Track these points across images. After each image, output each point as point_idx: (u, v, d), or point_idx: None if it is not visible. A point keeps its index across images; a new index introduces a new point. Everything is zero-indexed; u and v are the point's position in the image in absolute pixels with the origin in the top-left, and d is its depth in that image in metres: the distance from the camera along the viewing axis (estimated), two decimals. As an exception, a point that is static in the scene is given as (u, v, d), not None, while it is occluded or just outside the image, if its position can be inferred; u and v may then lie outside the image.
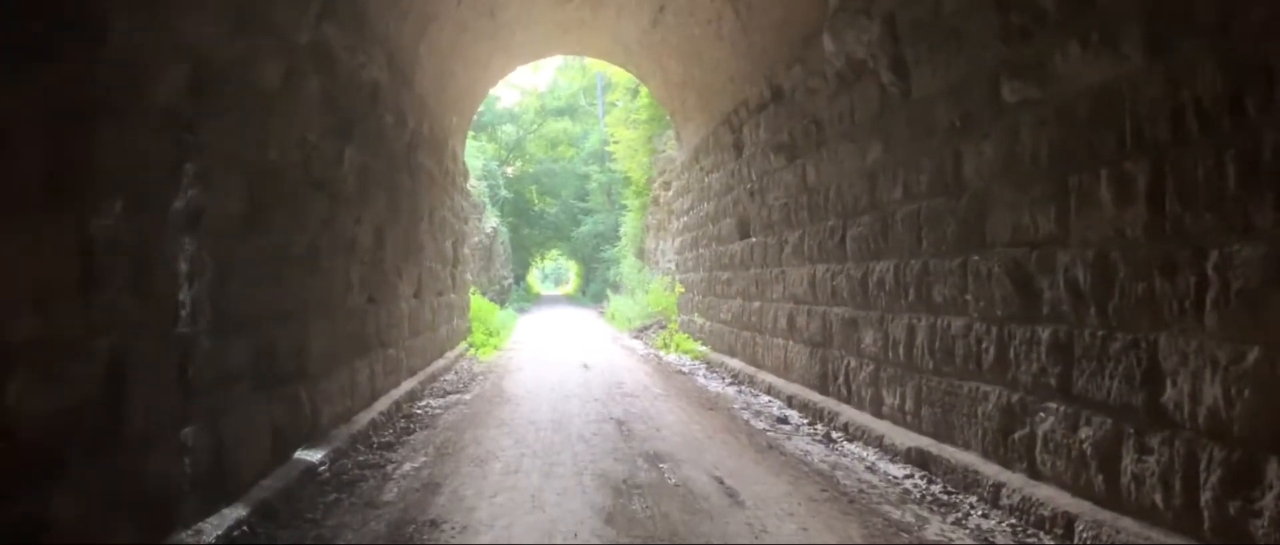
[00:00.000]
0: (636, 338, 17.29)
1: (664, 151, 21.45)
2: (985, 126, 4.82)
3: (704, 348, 13.00)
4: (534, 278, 59.74)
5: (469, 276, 17.24)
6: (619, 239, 31.56)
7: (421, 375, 9.86)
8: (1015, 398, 4.55)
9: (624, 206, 29.74)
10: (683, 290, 15.51)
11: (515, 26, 13.63)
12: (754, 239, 10.17)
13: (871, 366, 6.53)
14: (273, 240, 4.94)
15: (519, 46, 14.56)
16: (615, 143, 25.53)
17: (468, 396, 9.16)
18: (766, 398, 8.75)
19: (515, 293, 37.03)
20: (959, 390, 5.16)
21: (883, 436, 6.01)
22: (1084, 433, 3.92)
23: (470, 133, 33.31)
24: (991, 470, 4.67)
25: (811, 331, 7.96)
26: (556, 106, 48.58)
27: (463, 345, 14.15)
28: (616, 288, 29.57)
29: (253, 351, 4.62)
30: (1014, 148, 4.53)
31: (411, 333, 9.53)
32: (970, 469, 4.84)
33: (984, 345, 4.86)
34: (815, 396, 7.72)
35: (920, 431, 5.67)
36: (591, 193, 41.18)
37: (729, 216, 11.51)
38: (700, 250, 13.76)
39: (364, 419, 6.85)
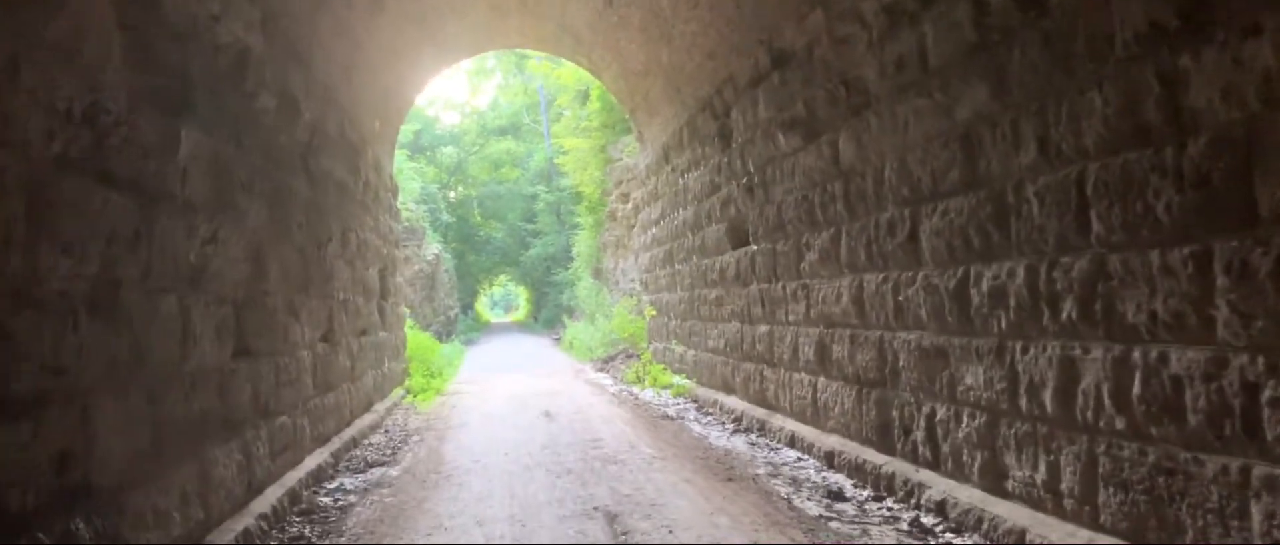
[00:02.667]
0: (602, 370, 15.08)
1: (620, 159, 19.36)
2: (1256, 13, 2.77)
3: (687, 381, 10.85)
4: (483, 305, 57.13)
5: (405, 309, 14.89)
6: (572, 260, 29.34)
7: (337, 441, 7.56)
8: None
9: (576, 225, 27.57)
10: (654, 313, 13.35)
11: (445, 12, 11.43)
12: (754, 246, 8.07)
13: (982, 419, 4.44)
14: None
15: (451, 37, 12.35)
16: (564, 155, 23.39)
17: (395, 470, 6.89)
18: (793, 454, 6.63)
19: (463, 322, 34.62)
20: (1192, 470, 3.08)
21: (1024, 532, 3.91)
22: None
23: (405, 152, 30.98)
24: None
25: (860, 365, 5.86)
26: (499, 125, 46.34)
27: (397, 392, 11.81)
28: (572, 313, 27.32)
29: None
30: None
31: (319, 389, 7.23)
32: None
33: (1265, 394, 2.78)
34: (873, 456, 5.62)
35: (1099, 527, 3.58)
36: (539, 213, 38.92)
37: (716, 222, 9.41)
38: (676, 266, 11.63)
39: (230, 533, 4.57)
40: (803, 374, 6.93)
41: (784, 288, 7.31)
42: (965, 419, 4.60)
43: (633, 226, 18.89)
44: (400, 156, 26.08)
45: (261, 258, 5.71)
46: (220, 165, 4.91)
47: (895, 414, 5.40)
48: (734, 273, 8.76)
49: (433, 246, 29.67)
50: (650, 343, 13.76)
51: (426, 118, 43.78)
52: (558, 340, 26.30)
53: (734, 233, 8.78)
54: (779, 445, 7.01)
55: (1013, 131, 4.06)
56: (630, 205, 18.66)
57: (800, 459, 6.42)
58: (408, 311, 19.77)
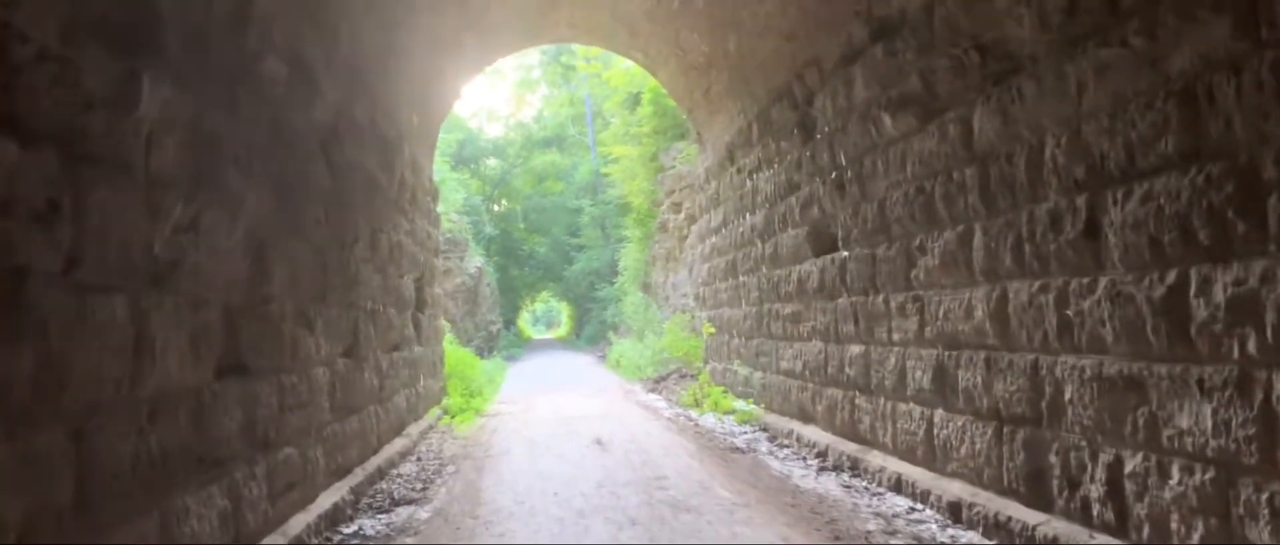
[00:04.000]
0: (654, 391, 13.94)
1: (673, 167, 18.27)
2: None
3: (753, 407, 9.69)
4: (525, 321, 56.30)
5: (444, 323, 13.91)
6: (618, 275, 28.27)
7: (360, 473, 6.53)
8: None
9: (623, 238, 26.49)
10: (712, 331, 12.20)
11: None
12: (845, 253, 6.91)
13: (1206, 475, 3.25)
14: None
15: (495, 27, 11.38)
16: (613, 163, 22.39)
17: (425, 511, 5.82)
18: (902, 501, 5.44)
19: (504, 338, 33.70)
20: None
21: (1310, 648, 2.71)
22: None
23: (448, 162, 30.14)
24: None
25: (1000, 396, 4.67)
26: (543, 137, 45.54)
27: (433, 413, 10.80)
28: (617, 329, 26.22)
29: None
30: None
31: (339, 413, 6.21)
32: None
33: None
34: (1020, 511, 4.42)
35: None
36: (583, 227, 37.91)
37: (792, 226, 8.26)
38: (740, 278, 10.48)
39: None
40: (912, 404, 5.75)
41: (886, 301, 6.14)
42: (1176, 473, 3.40)
43: (685, 238, 17.79)
44: (442, 166, 25.28)
45: (264, 256, 4.69)
46: (205, 135, 3.90)
47: (1054, 460, 4.21)
48: (817, 284, 7.60)
49: (475, 259, 28.82)
50: (707, 362, 12.61)
51: (470, 129, 43.16)
52: (603, 357, 25.21)
53: (816, 238, 7.63)
54: (881, 489, 5.83)
55: (1276, 75, 2.89)
56: (683, 215, 17.55)
57: (914, 509, 5.24)
58: (448, 325, 18.82)
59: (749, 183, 9.89)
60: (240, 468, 4.23)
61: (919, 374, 5.61)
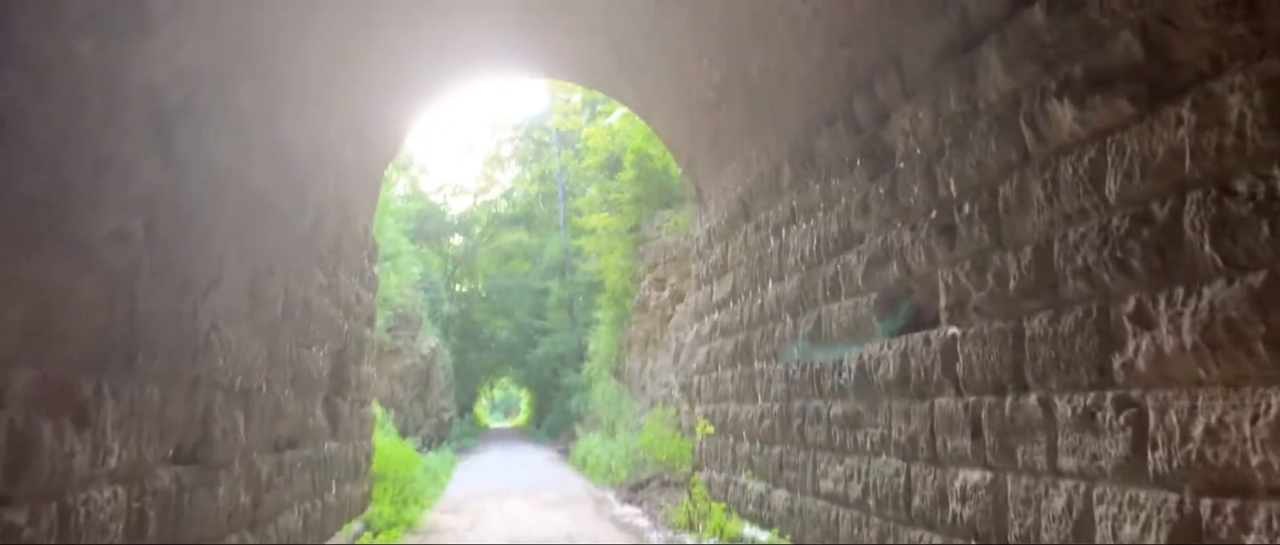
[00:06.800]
0: (631, 501, 11.42)
1: (657, 238, 16.07)
2: None
3: (776, 537, 7.27)
4: (483, 408, 53.14)
5: (377, 409, 11.38)
6: (585, 360, 25.79)
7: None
8: None
9: (593, 320, 24.11)
10: (711, 431, 9.78)
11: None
12: (953, 329, 4.64)
13: None
14: None
15: (459, 46, 9.23)
16: (588, 236, 20.11)
17: None
18: None
19: (458, 426, 30.85)
20: None
21: None
22: None
23: (407, 236, 27.62)
24: None
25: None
26: (512, 215, 43.31)
27: (350, 528, 8.24)
28: (582, 420, 23.63)
29: None
30: None
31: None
32: None
33: None
34: None
35: None
36: (549, 309, 35.43)
37: (851, 293, 6.01)
38: (755, 364, 8.16)
39: None
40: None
41: (1047, 404, 3.85)
42: None
43: (669, 318, 15.51)
44: (399, 236, 22.88)
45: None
46: None
47: None
48: (894, 374, 5.29)
49: (429, 339, 26.24)
50: (703, 470, 10.16)
51: (433, 203, 40.95)
52: (565, 452, 22.59)
53: (894, 307, 5.37)
54: None
55: None
56: (668, 293, 15.31)
57: None
58: (388, 413, 16.20)
59: (774, 241, 7.66)
60: None
61: (1133, 530, 3.29)
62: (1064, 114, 3.67)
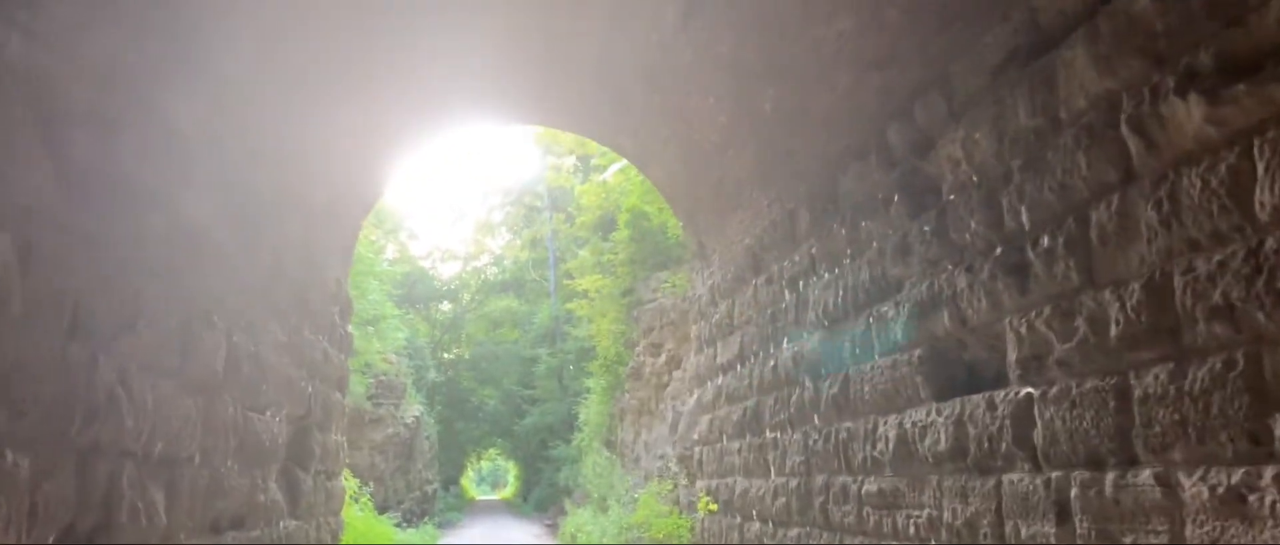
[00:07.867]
0: (625, 586, 10.41)
1: (653, 301, 15.27)
2: None
3: (794, 634, 6.33)
4: (469, 480, 51.55)
5: (349, 482, 10.41)
6: (575, 431, 24.74)
7: None
8: None
9: (584, 389, 23.15)
10: (715, 508, 8.85)
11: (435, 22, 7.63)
12: (1024, 389, 3.82)
13: None
14: None
15: (440, 90, 8.52)
16: (579, 298, 19.30)
17: None
18: None
19: (443, 499, 29.60)
20: None
21: None
22: None
23: (391, 301, 26.66)
24: None
25: None
26: (501, 281, 42.50)
27: (306, 621, 7.24)
28: (571, 494, 22.50)
29: None
30: None
31: None
32: None
33: None
34: None
35: None
36: (539, 378, 34.38)
37: (888, 351, 5.19)
38: (768, 434, 7.30)
39: None
40: None
41: (1172, 481, 3.02)
42: None
43: (665, 386, 14.63)
44: (382, 300, 22.01)
45: None
46: None
47: None
48: (945, 446, 4.45)
49: (414, 408, 25.21)
50: (705, 552, 9.19)
51: (421, 267, 40.16)
52: (553, 527, 21.44)
53: (942, 366, 4.57)
54: None
55: None
56: (664, 358, 14.46)
57: None
58: (367, 486, 15.15)
59: (789, 295, 6.87)
60: None
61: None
62: (1189, 113, 2.91)
